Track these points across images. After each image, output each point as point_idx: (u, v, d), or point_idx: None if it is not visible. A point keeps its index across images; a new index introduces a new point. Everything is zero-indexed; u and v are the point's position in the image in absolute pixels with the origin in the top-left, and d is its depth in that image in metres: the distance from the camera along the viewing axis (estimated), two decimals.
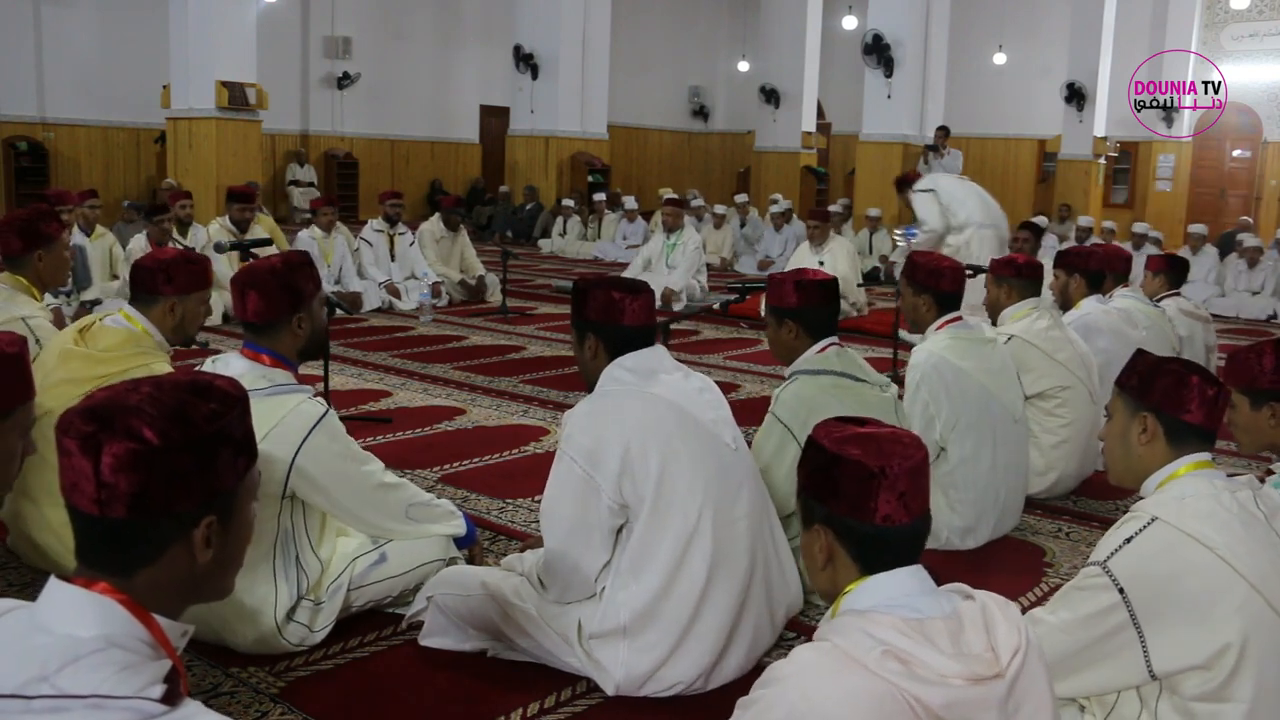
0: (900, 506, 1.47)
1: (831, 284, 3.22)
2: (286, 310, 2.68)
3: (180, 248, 6.86)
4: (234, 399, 1.32)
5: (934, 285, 3.65)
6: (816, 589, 1.60)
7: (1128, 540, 1.98)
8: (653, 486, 2.46)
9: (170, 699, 1.16)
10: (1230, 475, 2.09)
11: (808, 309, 3.16)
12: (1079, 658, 2.02)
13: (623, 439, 2.46)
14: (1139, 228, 11.75)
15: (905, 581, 1.48)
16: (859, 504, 1.47)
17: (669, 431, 2.50)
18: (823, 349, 3.18)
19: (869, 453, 1.47)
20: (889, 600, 1.45)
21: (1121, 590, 1.96)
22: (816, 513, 1.52)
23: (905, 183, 8.55)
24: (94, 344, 3.07)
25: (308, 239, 8.42)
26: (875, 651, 1.37)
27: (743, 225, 13.90)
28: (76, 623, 1.20)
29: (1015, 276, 4.20)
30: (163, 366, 3.08)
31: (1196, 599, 1.92)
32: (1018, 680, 1.42)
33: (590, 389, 2.66)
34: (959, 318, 3.70)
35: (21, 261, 3.61)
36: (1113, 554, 1.98)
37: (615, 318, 2.58)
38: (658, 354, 2.64)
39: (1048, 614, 2.09)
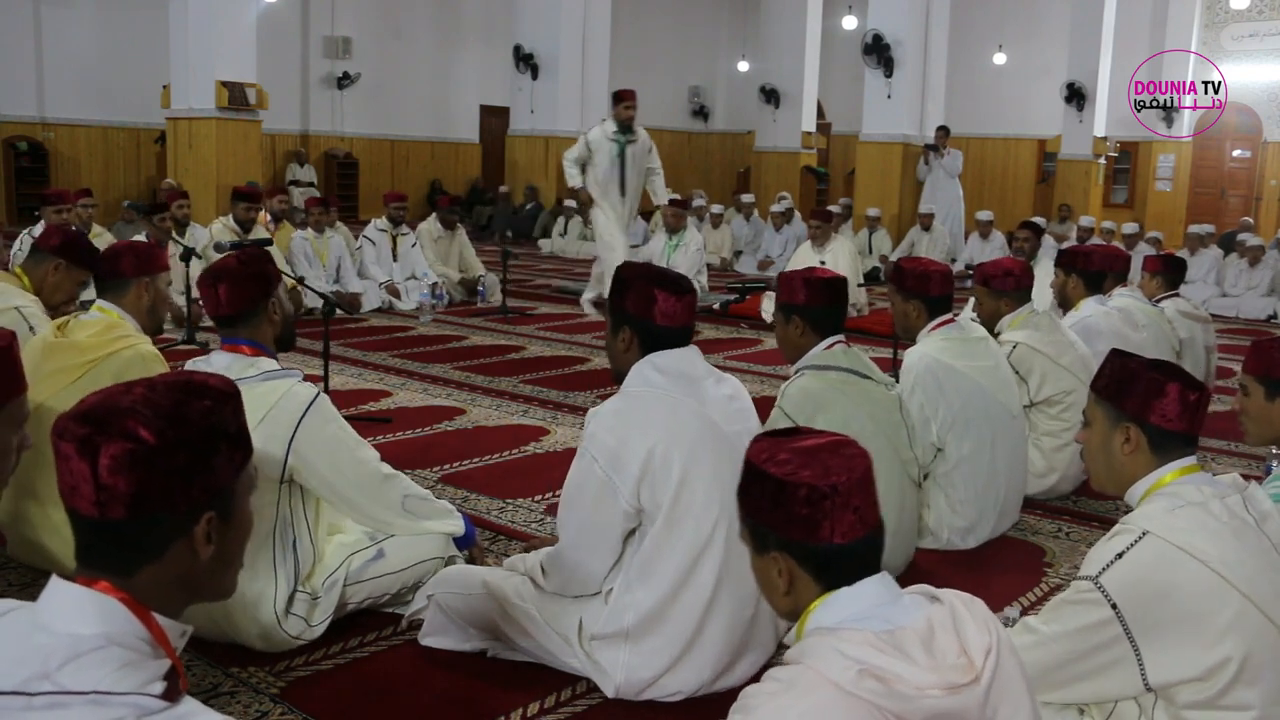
0: (857, 521, 1.43)
1: (840, 283, 3.23)
2: (260, 297, 2.71)
3: (181, 249, 6.89)
4: (227, 395, 1.34)
5: (923, 290, 3.64)
6: (778, 611, 1.55)
7: (1119, 555, 1.95)
8: (671, 494, 2.43)
9: (170, 696, 1.17)
10: (1215, 476, 2.07)
11: (816, 306, 3.17)
12: (1072, 668, 2.01)
13: (647, 444, 2.43)
14: (1129, 228, 11.76)
15: (872, 592, 1.43)
16: (815, 527, 1.43)
17: (693, 441, 2.47)
18: (829, 346, 3.19)
19: (816, 473, 1.43)
20: (858, 614, 1.41)
21: (1114, 606, 1.93)
22: (770, 540, 1.48)
23: None
24: (75, 335, 3.11)
25: (300, 240, 8.40)
26: (851, 671, 1.33)
27: (747, 219, 13.94)
28: (77, 621, 1.20)
29: (1015, 288, 4.18)
30: (147, 346, 3.11)
31: (1191, 613, 1.89)
32: (994, 680, 1.40)
33: (616, 377, 2.63)
34: (950, 320, 3.70)
35: (41, 259, 3.66)
36: (1104, 569, 1.95)
37: (654, 314, 2.52)
38: (690, 356, 2.59)
39: (1040, 624, 2.06)
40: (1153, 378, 2.03)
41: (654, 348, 2.54)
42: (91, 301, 3.29)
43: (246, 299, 2.69)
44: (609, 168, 8.55)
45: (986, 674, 1.39)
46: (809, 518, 1.43)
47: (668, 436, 2.45)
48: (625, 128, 8.53)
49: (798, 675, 1.37)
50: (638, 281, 2.55)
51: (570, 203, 14.55)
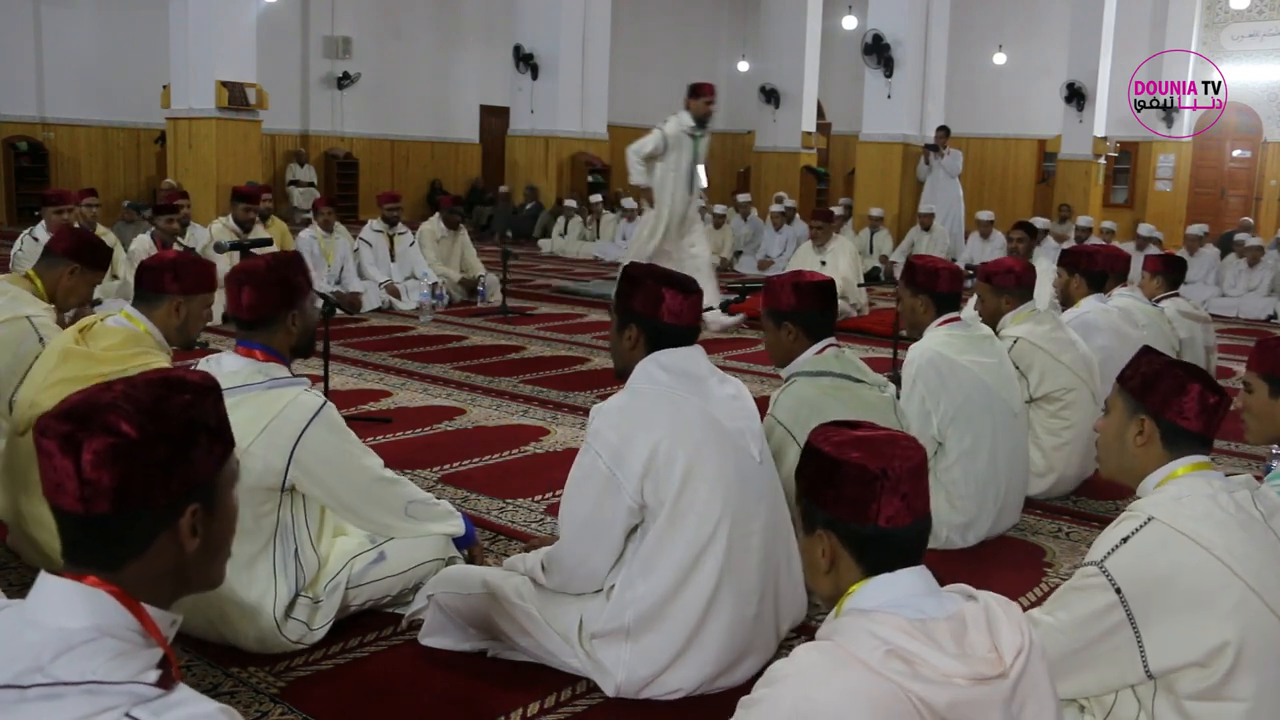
0: (903, 507, 1.47)
1: (829, 285, 3.19)
2: (282, 306, 2.69)
3: (181, 248, 6.90)
4: (206, 389, 1.35)
5: (931, 286, 3.65)
6: (819, 593, 1.59)
7: (1124, 540, 1.97)
8: (674, 491, 2.44)
9: (164, 684, 1.18)
10: (1228, 475, 2.09)
11: (807, 311, 3.12)
12: (1077, 658, 2.02)
13: (651, 440, 2.44)
14: (1144, 229, 11.68)
15: (909, 582, 1.47)
16: (862, 507, 1.47)
17: (698, 438, 2.48)
18: (821, 350, 3.15)
19: (870, 455, 1.48)
20: (893, 601, 1.45)
21: (1118, 590, 1.95)
22: (818, 518, 1.52)
23: None
24: (94, 344, 3.06)
25: (309, 238, 8.43)
26: (879, 651, 1.37)
27: (745, 219, 13.95)
28: (67, 615, 1.21)
29: (1016, 286, 4.19)
30: (163, 364, 3.07)
31: (1192, 597, 1.91)
32: (1021, 680, 1.42)
33: (618, 373, 2.66)
34: (957, 318, 3.71)
35: (54, 263, 3.62)
36: (1109, 553, 1.98)
37: (661, 313, 2.55)
38: (695, 355, 2.62)
39: (1045, 615, 2.08)
40: (1176, 374, 2.07)
41: (659, 346, 2.57)
42: (98, 301, 3.26)
43: (268, 304, 2.68)
44: (685, 165, 8.04)
45: (1015, 671, 1.42)
46: (857, 497, 1.47)
47: (672, 433, 2.46)
48: (702, 123, 8.07)
49: (826, 651, 1.42)
50: (646, 280, 2.58)
51: (571, 202, 14.59)
